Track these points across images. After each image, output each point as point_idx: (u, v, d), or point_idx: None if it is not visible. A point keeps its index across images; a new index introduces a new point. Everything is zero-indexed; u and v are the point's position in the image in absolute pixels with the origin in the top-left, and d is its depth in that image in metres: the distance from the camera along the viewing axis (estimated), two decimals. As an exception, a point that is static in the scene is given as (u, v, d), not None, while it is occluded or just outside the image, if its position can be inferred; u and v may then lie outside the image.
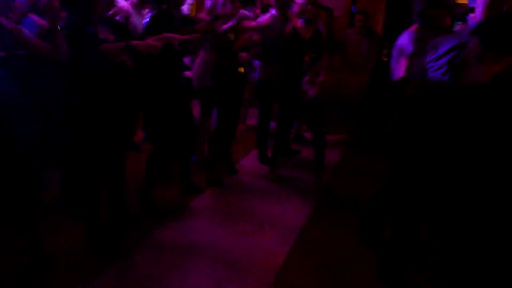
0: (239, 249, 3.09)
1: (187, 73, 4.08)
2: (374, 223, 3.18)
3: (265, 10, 5.12)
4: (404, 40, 2.96)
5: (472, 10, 2.41)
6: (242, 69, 4.02)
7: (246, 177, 4.35)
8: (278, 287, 2.71)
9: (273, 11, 4.32)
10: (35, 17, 3.00)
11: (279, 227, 3.42)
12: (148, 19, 3.29)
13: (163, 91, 3.31)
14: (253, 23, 4.18)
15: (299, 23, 3.90)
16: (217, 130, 4.08)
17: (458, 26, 4.13)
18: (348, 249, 3.15)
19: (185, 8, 4.53)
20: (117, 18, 4.17)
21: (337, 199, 4.02)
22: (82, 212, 3.02)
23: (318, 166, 4.17)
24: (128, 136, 4.62)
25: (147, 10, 4.34)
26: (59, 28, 2.46)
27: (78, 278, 2.65)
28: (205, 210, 3.64)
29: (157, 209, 3.49)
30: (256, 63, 4.63)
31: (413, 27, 2.99)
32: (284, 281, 2.77)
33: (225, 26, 3.68)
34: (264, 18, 4.34)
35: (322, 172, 4.22)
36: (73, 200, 3.41)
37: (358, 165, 4.89)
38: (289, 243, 3.19)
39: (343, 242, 3.23)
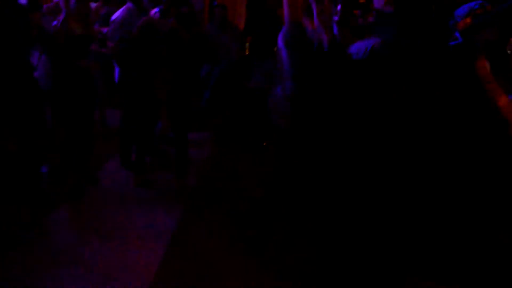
0: (106, 266, 2.80)
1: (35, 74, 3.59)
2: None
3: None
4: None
5: None
6: (96, 66, 3.65)
7: (109, 185, 3.98)
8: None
9: (129, 4, 4.03)
10: None
11: (148, 236, 3.18)
12: None
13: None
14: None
15: (154, 14, 3.65)
16: (68, 135, 3.65)
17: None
18: (221, 252, 3.04)
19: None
20: None
21: (206, 199, 3.88)
22: None
23: (181, 167, 4.00)
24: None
25: None
26: None
27: None
28: (62, 227, 3.24)
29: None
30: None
31: None
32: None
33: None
34: (119, 12, 4.03)
35: (187, 172, 4.06)
36: None
37: (226, 162, 4.82)
38: (160, 253, 2.98)
39: (215, 245, 3.11)
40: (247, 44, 6.21)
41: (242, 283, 2.71)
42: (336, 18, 3.10)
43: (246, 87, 5.38)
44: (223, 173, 4.46)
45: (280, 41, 2.33)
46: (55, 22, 3.21)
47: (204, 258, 2.94)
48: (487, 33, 2.38)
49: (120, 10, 4.09)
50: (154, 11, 3.67)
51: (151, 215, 3.50)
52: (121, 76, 4.12)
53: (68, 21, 3.23)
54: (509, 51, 3.04)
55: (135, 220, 3.41)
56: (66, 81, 3.53)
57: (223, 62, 5.51)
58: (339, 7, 3.01)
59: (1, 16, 2.90)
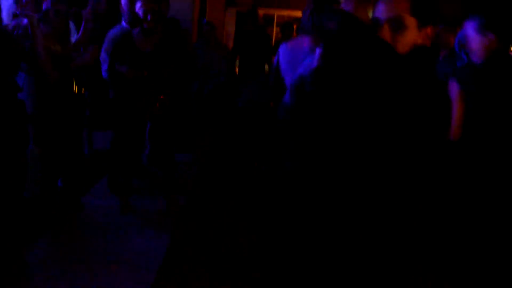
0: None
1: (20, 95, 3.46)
2: None
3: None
4: None
5: None
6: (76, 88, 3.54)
7: (94, 212, 3.79)
8: None
9: (123, 23, 3.96)
10: None
11: (136, 265, 3.02)
12: None
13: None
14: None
15: (136, 33, 3.55)
16: (50, 160, 3.50)
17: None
18: (213, 281, 2.88)
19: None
20: None
21: (196, 223, 3.73)
22: None
23: (169, 189, 3.87)
24: None
25: None
26: None
27: None
28: (44, 258, 3.06)
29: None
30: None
31: None
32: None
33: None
34: (113, 31, 3.94)
35: (176, 194, 3.93)
36: None
37: (216, 183, 4.68)
38: (149, 284, 2.81)
39: (207, 274, 2.96)
40: (236, 62, 6.15)
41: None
42: None
43: (236, 106, 5.29)
44: (214, 194, 4.33)
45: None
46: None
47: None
48: None
49: (112, 31, 4.01)
50: (136, 30, 3.56)
51: (139, 242, 3.34)
52: (113, 97, 4.01)
53: (41, 39, 3.11)
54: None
55: (122, 248, 3.24)
56: (49, 102, 3.41)
57: (212, 81, 5.43)
58: None
59: None
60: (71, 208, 3.72)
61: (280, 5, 9.10)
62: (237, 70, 6.15)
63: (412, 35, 1.73)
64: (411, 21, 1.73)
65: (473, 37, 2.38)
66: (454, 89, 2.39)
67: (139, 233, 3.47)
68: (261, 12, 8.58)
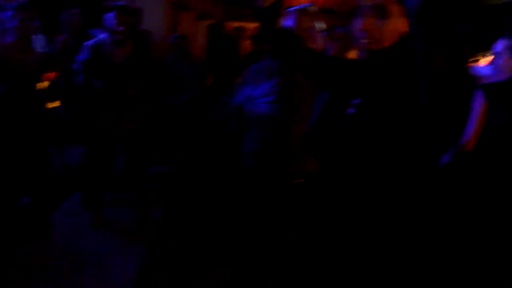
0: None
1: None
2: None
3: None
4: None
5: None
6: (53, 104, 3.43)
7: (65, 230, 3.66)
8: None
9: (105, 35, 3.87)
10: None
11: (111, 283, 2.92)
12: None
13: None
14: None
15: (108, 44, 3.47)
16: (14, 178, 3.37)
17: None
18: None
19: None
20: None
21: (173, 236, 3.66)
22: None
23: (142, 202, 3.80)
24: None
25: None
26: None
27: None
28: (9, 280, 2.90)
29: None
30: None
31: None
32: None
33: None
34: (90, 41, 3.85)
35: (150, 209, 3.85)
36: None
37: (193, 194, 4.62)
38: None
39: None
40: (210, 75, 6.13)
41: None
42: None
43: (209, 119, 5.25)
44: (191, 206, 4.26)
45: None
46: None
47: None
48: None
49: (88, 42, 3.92)
50: (109, 41, 3.49)
51: (111, 261, 3.21)
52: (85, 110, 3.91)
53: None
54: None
55: (93, 268, 3.11)
56: (9, 115, 3.29)
57: (185, 93, 5.38)
58: None
59: None
60: (38, 226, 3.58)
61: (252, 18, 9.16)
62: (210, 82, 6.13)
63: (396, 23, 1.69)
64: (395, 9, 1.69)
65: (502, 54, 2.42)
66: (479, 101, 2.40)
67: (112, 249, 3.37)
68: (233, 24, 8.62)
